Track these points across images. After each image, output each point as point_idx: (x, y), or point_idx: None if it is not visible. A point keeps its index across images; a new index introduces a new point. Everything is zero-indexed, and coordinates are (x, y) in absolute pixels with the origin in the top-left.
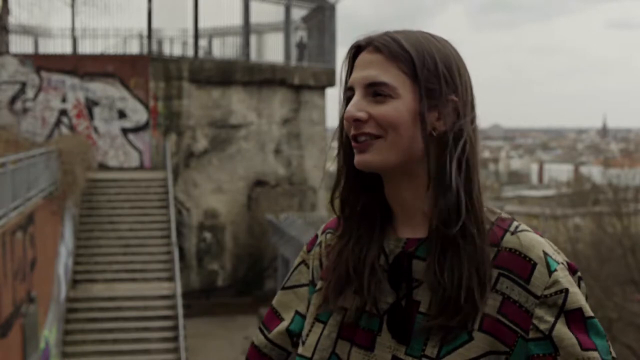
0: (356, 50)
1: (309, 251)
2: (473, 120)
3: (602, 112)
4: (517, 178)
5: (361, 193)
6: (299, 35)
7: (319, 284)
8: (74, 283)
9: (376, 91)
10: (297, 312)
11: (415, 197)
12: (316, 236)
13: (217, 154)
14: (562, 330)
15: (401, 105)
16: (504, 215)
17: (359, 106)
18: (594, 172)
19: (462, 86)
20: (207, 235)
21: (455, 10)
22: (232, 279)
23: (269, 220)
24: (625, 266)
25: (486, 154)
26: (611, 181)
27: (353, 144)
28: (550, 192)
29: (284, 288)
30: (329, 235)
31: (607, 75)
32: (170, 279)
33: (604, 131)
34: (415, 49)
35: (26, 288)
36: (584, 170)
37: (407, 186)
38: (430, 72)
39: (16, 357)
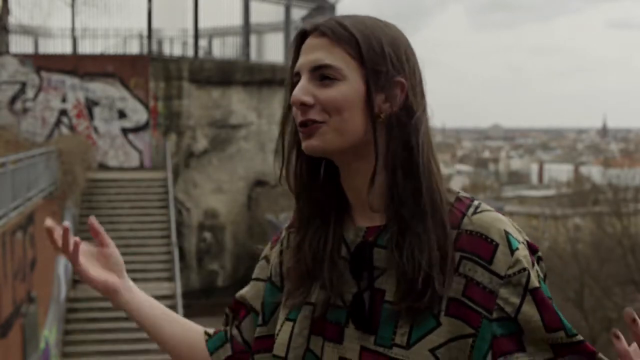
0: (302, 36)
1: (272, 247)
2: (423, 105)
3: (602, 112)
4: (517, 178)
5: (313, 182)
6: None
7: (286, 284)
8: (74, 283)
9: (322, 74)
10: (261, 304)
11: (369, 181)
12: (280, 231)
13: (217, 154)
14: (528, 312)
15: (348, 88)
16: (462, 194)
17: (305, 90)
18: (594, 172)
19: (409, 68)
20: (207, 235)
21: (455, 10)
22: (232, 279)
23: (269, 220)
24: (625, 266)
25: (486, 154)
26: (611, 181)
27: (300, 129)
28: (550, 192)
29: (251, 280)
30: (291, 236)
31: (607, 75)
32: (170, 279)
33: (604, 131)
34: (360, 31)
35: (26, 288)
36: (584, 170)
37: (360, 171)
38: (377, 54)
39: (16, 357)
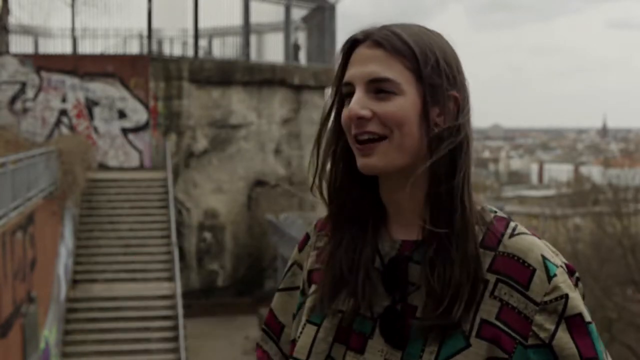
0: (352, 44)
1: (300, 251)
2: (469, 117)
3: (602, 112)
4: (517, 178)
5: (352, 191)
6: (294, 36)
7: (313, 288)
8: (74, 283)
9: (379, 88)
10: (294, 316)
11: (412, 197)
12: (307, 235)
13: (217, 154)
14: (562, 338)
15: (405, 103)
16: (500, 214)
17: (362, 103)
18: (594, 172)
19: (460, 82)
20: (207, 235)
21: (455, 10)
22: (232, 279)
23: (268, 220)
24: (625, 266)
25: (486, 154)
26: (611, 181)
27: (356, 145)
28: (550, 192)
29: (279, 290)
30: (322, 238)
31: (607, 75)
32: (170, 279)
33: (604, 131)
34: (417, 44)
35: (26, 288)
36: (584, 170)
37: (405, 186)
38: (433, 67)
39: (16, 357)
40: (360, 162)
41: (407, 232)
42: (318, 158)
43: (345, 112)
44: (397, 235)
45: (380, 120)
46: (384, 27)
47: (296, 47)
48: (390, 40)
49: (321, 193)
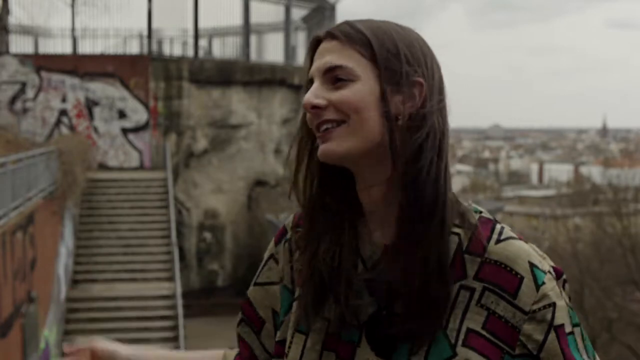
0: (316, 44)
1: (277, 244)
2: (442, 105)
3: (602, 112)
4: (517, 178)
5: (327, 189)
6: (294, 36)
7: (297, 292)
8: (74, 283)
9: (335, 77)
10: (273, 311)
11: (386, 191)
12: (284, 228)
13: (217, 154)
14: (550, 350)
15: (362, 88)
16: (485, 215)
17: (316, 93)
18: (594, 172)
19: (427, 69)
20: (207, 235)
21: (456, 10)
22: (232, 279)
23: (269, 220)
24: (625, 266)
25: (486, 154)
26: (611, 181)
27: (316, 134)
28: (550, 192)
29: (256, 283)
30: (296, 236)
31: (607, 75)
32: (170, 279)
33: (604, 131)
34: (372, 31)
35: (26, 288)
36: (584, 170)
37: (376, 180)
38: (390, 53)
39: (16, 357)
40: (320, 149)
41: (388, 233)
42: (296, 159)
43: (302, 105)
44: (376, 238)
45: (335, 107)
46: (344, 22)
47: (292, 49)
48: (344, 31)
49: (297, 196)
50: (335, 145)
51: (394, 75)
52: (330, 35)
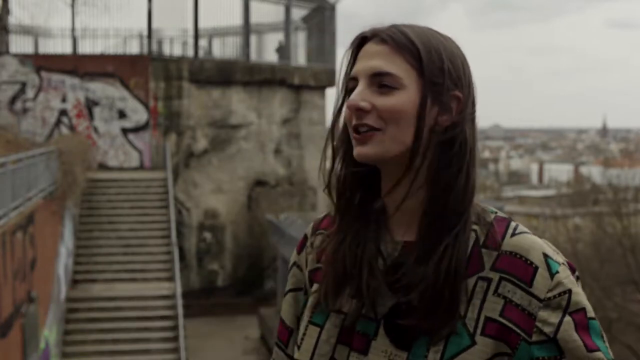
0: (361, 41)
1: (299, 252)
2: (473, 118)
3: (602, 112)
4: (517, 178)
5: (358, 187)
6: (278, 40)
7: (314, 287)
8: (74, 283)
9: (381, 82)
10: (298, 319)
11: (412, 195)
12: (305, 236)
13: (217, 154)
14: (567, 332)
15: (405, 97)
16: (500, 215)
17: (362, 95)
18: (594, 172)
19: (465, 82)
20: (207, 235)
21: (456, 10)
22: (232, 279)
23: (269, 220)
24: (625, 266)
25: (486, 154)
26: (611, 181)
27: (353, 134)
28: (550, 192)
29: (284, 295)
30: (319, 237)
31: (607, 75)
32: (170, 279)
33: (604, 131)
34: (422, 42)
35: (26, 288)
36: (584, 170)
37: (402, 183)
38: (436, 66)
39: (16, 357)
40: (356, 150)
41: (407, 232)
42: (332, 154)
43: (346, 104)
44: (398, 236)
45: (379, 113)
46: (393, 26)
47: (280, 50)
48: (396, 37)
49: (330, 191)
50: (369, 149)
51: (437, 88)
52: (379, 38)
